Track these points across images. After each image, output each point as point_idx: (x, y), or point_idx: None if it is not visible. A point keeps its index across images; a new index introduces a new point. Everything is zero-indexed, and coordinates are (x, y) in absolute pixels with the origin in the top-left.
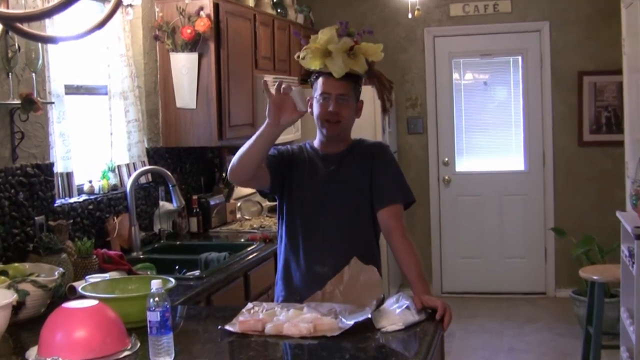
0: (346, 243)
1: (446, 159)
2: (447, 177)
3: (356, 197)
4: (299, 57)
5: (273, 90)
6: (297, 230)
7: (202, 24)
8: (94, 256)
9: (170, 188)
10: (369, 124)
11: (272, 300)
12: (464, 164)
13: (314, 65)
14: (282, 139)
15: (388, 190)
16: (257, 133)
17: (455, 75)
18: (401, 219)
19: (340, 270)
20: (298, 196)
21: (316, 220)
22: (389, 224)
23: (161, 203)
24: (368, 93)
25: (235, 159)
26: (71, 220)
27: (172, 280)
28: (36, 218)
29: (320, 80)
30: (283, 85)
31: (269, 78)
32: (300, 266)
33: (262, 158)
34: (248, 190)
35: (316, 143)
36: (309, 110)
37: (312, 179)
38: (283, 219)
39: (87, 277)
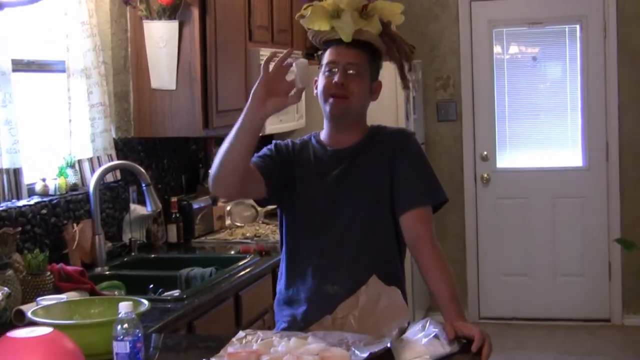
0: (363, 258)
1: (485, 153)
2: (486, 175)
3: (375, 200)
4: (300, 16)
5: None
6: (303, 242)
7: None
8: (48, 273)
9: (144, 188)
10: (389, 108)
11: (270, 328)
12: (507, 158)
13: (318, 25)
14: (280, 127)
15: (414, 189)
16: (236, 126)
17: (497, 49)
18: (430, 225)
19: (356, 291)
20: (303, 204)
21: (326, 231)
22: (415, 232)
23: (132, 207)
24: (387, 71)
25: (214, 165)
26: (19, 228)
27: (145, 302)
28: None
29: (328, 52)
30: (288, 60)
31: (266, 52)
32: (306, 285)
33: (247, 159)
34: None
35: (324, 135)
36: (314, 91)
37: (320, 182)
38: (285, 229)
39: (38, 298)
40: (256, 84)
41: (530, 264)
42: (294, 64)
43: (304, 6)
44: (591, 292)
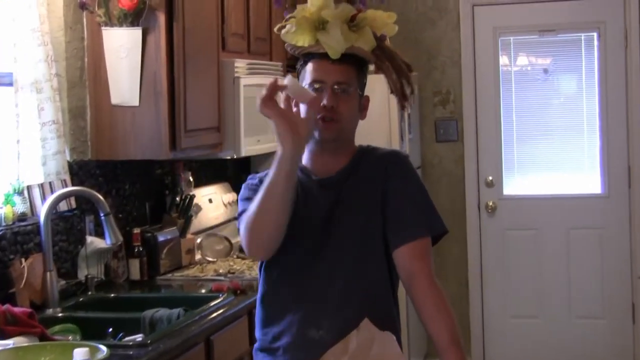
0: (353, 299)
1: (490, 178)
2: (491, 203)
3: (365, 233)
4: (280, 29)
5: (281, 104)
6: (284, 281)
7: None
8: None
9: (102, 218)
10: (381, 127)
11: None
12: (515, 184)
13: (302, 40)
14: (258, 149)
15: (409, 219)
16: (273, 173)
17: (504, 60)
18: (428, 260)
19: (344, 336)
20: (285, 241)
21: (311, 268)
22: (410, 268)
23: (89, 239)
24: (378, 84)
25: (249, 229)
26: None
27: (104, 348)
28: None
29: (310, 66)
30: (279, 82)
31: (241, 63)
32: (288, 331)
33: (292, 204)
34: (211, 221)
35: (306, 159)
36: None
37: (307, 214)
38: (263, 268)
39: None
40: (272, 126)
41: (542, 305)
42: (287, 86)
43: (286, 17)
44: (612, 336)
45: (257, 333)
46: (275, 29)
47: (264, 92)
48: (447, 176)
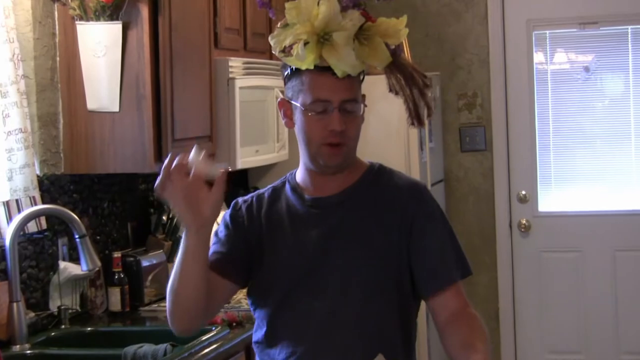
0: (357, 344)
1: (524, 193)
2: (525, 222)
3: (379, 268)
4: (283, 51)
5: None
6: (275, 323)
7: None
8: None
9: (78, 241)
10: (398, 135)
11: None
12: (552, 200)
13: (307, 62)
14: (257, 160)
15: (444, 264)
16: (180, 254)
17: (539, 57)
18: (464, 296)
19: None
20: (274, 277)
21: (308, 310)
22: (449, 309)
23: (62, 265)
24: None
25: (168, 304)
26: None
27: None
28: None
29: (308, 79)
30: (176, 160)
31: (237, 62)
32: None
33: (205, 285)
34: None
35: (300, 177)
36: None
37: (296, 247)
38: (256, 306)
39: None
40: (172, 205)
41: (585, 338)
42: (190, 164)
43: (278, 26)
44: None
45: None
46: (274, 51)
47: (160, 175)
48: (473, 191)
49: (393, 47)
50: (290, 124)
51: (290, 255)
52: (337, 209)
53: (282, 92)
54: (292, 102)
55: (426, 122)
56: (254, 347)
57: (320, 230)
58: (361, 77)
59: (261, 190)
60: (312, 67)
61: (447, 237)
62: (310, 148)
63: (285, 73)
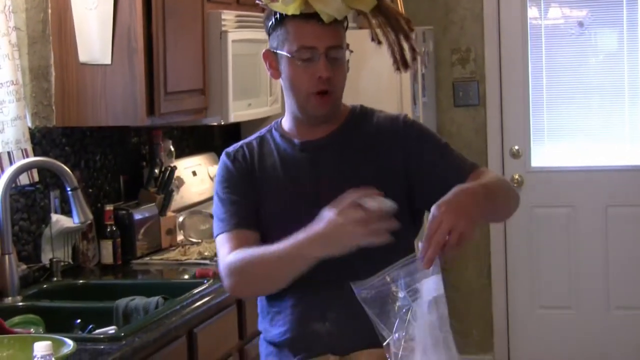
0: (367, 276)
1: (516, 148)
2: (517, 177)
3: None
4: None
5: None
6: None
7: None
8: None
9: (69, 193)
10: (391, 89)
11: None
12: (544, 155)
13: (293, 7)
14: (249, 114)
15: (457, 163)
16: (288, 255)
17: (533, 12)
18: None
19: (351, 325)
20: (275, 224)
21: None
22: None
23: (54, 217)
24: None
25: (243, 282)
26: None
27: (70, 342)
28: None
29: (292, 27)
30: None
31: (229, 16)
32: (287, 324)
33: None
34: (195, 197)
35: (288, 125)
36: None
37: (293, 191)
38: None
39: None
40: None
41: (575, 294)
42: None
43: None
44: None
45: (261, 325)
46: None
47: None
48: (466, 146)
49: None
50: (276, 74)
51: (286, 199)
52: (328, 151)
53: None
54: (278, 51)
55: (416, 67)
56: (258, 299)
57: (313, 172)
58: (345, 25)
59: (248, 139)
60: (297, 13)
61: (444, 147)
62: (298, 98)
63: (270, 24)
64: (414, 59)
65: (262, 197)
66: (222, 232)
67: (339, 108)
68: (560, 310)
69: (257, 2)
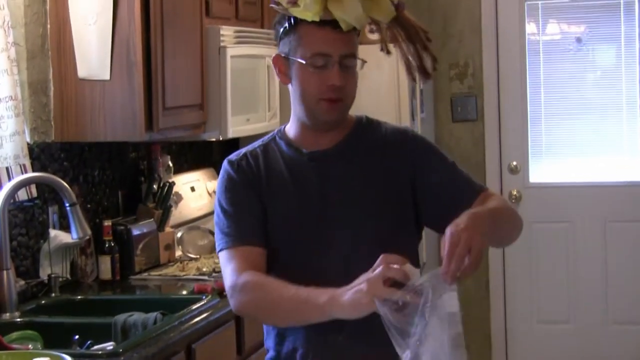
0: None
1: (515, 163)
2: (515, 193)
3: (386, 218)
4: (291, 2)
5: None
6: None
7: None
8: None
9: (68, 209)
10: (389, 104)
11: None
12: (543, 170)
13: (311, 13)
14: (247, 129)
15: (464, 183)
16: (313, 310)
17: (531, 28)
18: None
19: (368, 339)
20: (281, 233)
21: (318, 266)
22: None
23: (52, 233)
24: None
25: (250, 304)
26: None
27: (68, 358)
28: None
29: (306, 31)
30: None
31: (228, 31)
32: (301, 339)
33: None
34: (193, 212)
35: (293, 133)
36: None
37: (301, 201)
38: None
39: None
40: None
41: (574, 308)
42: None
43: None
44: None
45: (268, 343)
46: (284, 3)
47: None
48: (464, 161)
49: (396, 1)
50: (285, 80)
51: (294, 209)
52: (336, 161)
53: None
54: (290, 57)
55: (431, 76)
56: None
57: (322, 183)
58: (357, 33)
59: (250, 147)
60: (317, 19)
61: (452, 165)
62: (307, 103)
63: (281, 29)
64: (434, 68)
65: (268, 208)
66: (228, 248)
67: (347, 116)
68: (559, 325)
69: (272, 5)
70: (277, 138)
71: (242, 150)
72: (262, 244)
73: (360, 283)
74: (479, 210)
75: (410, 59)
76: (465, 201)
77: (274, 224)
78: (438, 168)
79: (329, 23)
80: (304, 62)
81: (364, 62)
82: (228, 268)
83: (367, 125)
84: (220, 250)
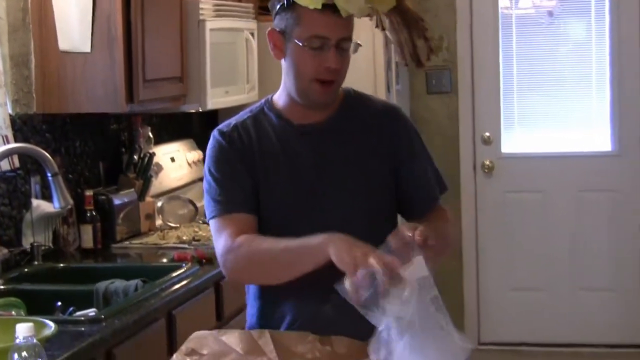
0: None
1: (488, 134)
2: (488, 163)
3: (374, 192)
4: None
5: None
6: None
7: None
8: None
9: (50, 179)
10: (365, 77)
11: None
12: (515, 141)
13: (317, 1)
14: (226, 101)
15: (428, 185)
16: (304, 255)
17: (504, 2)
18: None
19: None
20: (272, 205)
21: (313, 226)
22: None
23: (35, 203)
24: (362, 28)
25: (249, 271)
26: None
27: (51, 324)
28: None
29: (305, 14)
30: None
31: (207, 5)
32: (289, 310)
33: None
34: (173, 182)
35: (282, 104)
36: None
37: (292, 173)
38: None
39: None
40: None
41: (546, 276)
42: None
43: None
44: (623, 311)
45: (251, 312)
46: None
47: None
48: (439, 132)
49: None
50: (279, 55)
51: (286, 182)
52: (327, 135)
53: (253, 34)
54: (287, 34)
55: (425, 63)
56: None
57: (313, 157)
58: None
59: (239, 118)
60: (319, 7)
61: (427, 157)
62: (300, 82)
63: (279, 5)
64: (428, 58)
65: (260, 179)
66: (219, 215)
67: (338, 95)
68: (530, 292)
69: None
70: (266, 109)
71: (232, 121)
72: (254, 212)
73: (362, 250)
74: (429, 224)
75: (405, 46)
76: (427, 198)
77: (266, 195)
78: (417, 156)
79: (329, 7)
80: (300, 43)
81: (358, 45)
82: (222, 234)
83: (357, 99)
84: (212, 217)
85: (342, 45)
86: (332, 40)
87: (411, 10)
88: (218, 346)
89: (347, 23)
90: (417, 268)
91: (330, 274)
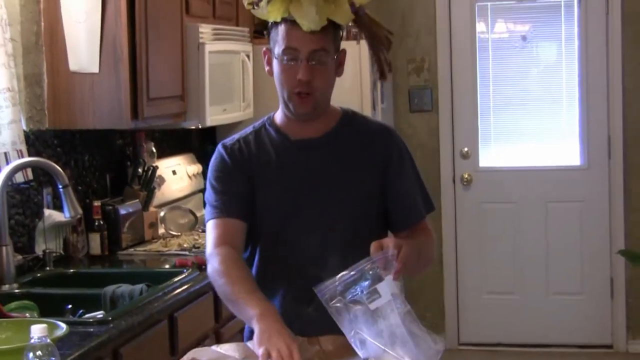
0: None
1: (466, 149)
2: (466, 176)
3: (361, 205)
4: (251, 4)
5: None
6: (267, 258)
7: None
8: None
9: (61, 190)
10: (352, 96)
11: None
12: (491, 156)
13: (273, 15)
14: (223, 118)
15: (413, 203)
16: (244, 311)
17: (480, 27)
18: (426, 223)
19: None
20: (266, 213)
21: (300, 243)
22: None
23: (46, 212)
24: (350, 50)
25: (211, 276)
26: None
27: (63, 325)
28: None
29: (283, 29)
30: None
31: (206, 29)
32: (278, 307)
33: None
34: (174, 194)
35: (280, 120)
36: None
37: (285, 184)
38: (248, 245)
39: None
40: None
41: (518, 281)
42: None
43: None
44: (590, 313)
45: None
46: (245, 3)
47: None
48: (421, 147)
49: (357, 6)
50: (270, 71)
51: (279, 194)
52: (323, 151)
53: (248, 56)
54: (272, 51)
55: (387, 75)
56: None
57: (307, 171)
58: (341, 33)
59: (243, 133)
60: (278, 20)
61: (416, 178)
62: (283, 95)
63: (270, 24)
64: (389, 70)
65: (257, 190)
66: (213, 218)
67: (324, 109)
68: (505, 295)
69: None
70: (267, 125)
71: (235, 136)
72: (243, 219)
73: (279, 343)
74: (412, 242)
75: (375, 61)
76: (411, 216)
77: (260, 204)
78: (406, 176)
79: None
80: (277, 55)
81: (340, 64)
82: (210, 237)
83: (353, 118)
84: (208, 220)
85: (315, 58)
86: (303, 53)
87: (376, 24)
88: (217, 355)
89: (319, 37)
90: (388, 286)
91: (312, 277)
